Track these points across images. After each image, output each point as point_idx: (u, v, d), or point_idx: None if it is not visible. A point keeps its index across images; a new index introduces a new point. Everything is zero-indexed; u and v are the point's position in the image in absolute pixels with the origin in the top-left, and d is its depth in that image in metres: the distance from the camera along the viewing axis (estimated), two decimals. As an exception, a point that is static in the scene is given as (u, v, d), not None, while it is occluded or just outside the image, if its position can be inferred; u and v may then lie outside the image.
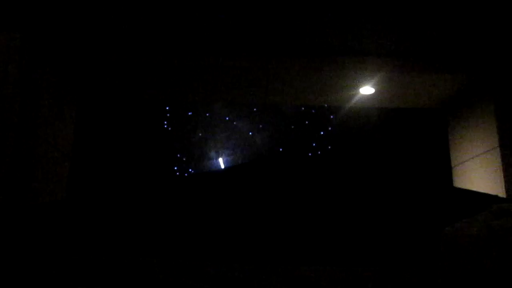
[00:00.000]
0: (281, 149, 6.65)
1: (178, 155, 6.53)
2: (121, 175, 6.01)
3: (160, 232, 2.55)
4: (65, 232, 2.61)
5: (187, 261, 2.24)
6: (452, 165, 5.87)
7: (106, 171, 5.94)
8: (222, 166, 6.63)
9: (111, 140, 6.11)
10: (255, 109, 6.91)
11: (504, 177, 4.81)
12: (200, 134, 6.54)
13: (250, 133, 6.80)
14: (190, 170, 6.53)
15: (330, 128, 6.65)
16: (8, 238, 2.58)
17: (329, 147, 6.66)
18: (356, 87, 5.57)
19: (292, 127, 6.76)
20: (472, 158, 5.41)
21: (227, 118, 6.72)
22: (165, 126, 6.53)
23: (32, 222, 2.66)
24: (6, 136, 4.09)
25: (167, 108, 6.43)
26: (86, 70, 5.37)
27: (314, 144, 6.70)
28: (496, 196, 3.06)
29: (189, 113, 6.46)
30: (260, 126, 6.85)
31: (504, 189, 4.74)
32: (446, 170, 5.87)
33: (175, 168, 6.51)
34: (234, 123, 6.81)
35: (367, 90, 5.62)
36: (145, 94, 6.01)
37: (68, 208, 2.76)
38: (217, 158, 6.65)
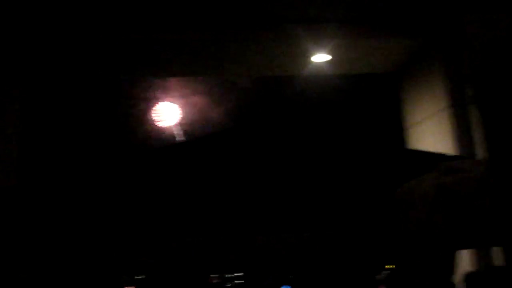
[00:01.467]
0: (238, 123, 6.63)
1: (131, 133, 6.40)
2: (71, 156, 5.86)
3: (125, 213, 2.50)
4: (19, 219, 2.52)
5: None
6: (405, 127, 6.00)
7: (56, 154, 5.76)
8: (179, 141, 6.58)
9: (60, 121, 5.92)
10: (211, 84, 6.82)
11: (455, 136, 4.97)
12: (154, 110, 6.43)
13: (207, 108, 6.73)
14: (144, 147, 6.43)
15: (286, 98, 6.66)
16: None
17: (286, 117, 6.68)
18: (311, 55, 5.56)
19: (248, 100, 6.73)
20: (424, 119, 5.55)
21: (182, 94, 6.61)
22: (118, 103, 6.37)
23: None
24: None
25: (120, 85, 6.26)
26: (32, 50, 5.16)
27: (270, 115, 6.71)
28: (443, 155, 3.16)
29: (143, 90, 6.32)
30: (217, 100, 6.79)
31: (456, 148, 4.90)
32: (399, 132, 6.00)
33: (128, 147, 6.39)
34: (190, 98, 6.71)
35: (322, 57, 5.62)
36: (97, 71, 5.82)
37: (25, 194, 2.65)
38: (173, 134, 6.57)
